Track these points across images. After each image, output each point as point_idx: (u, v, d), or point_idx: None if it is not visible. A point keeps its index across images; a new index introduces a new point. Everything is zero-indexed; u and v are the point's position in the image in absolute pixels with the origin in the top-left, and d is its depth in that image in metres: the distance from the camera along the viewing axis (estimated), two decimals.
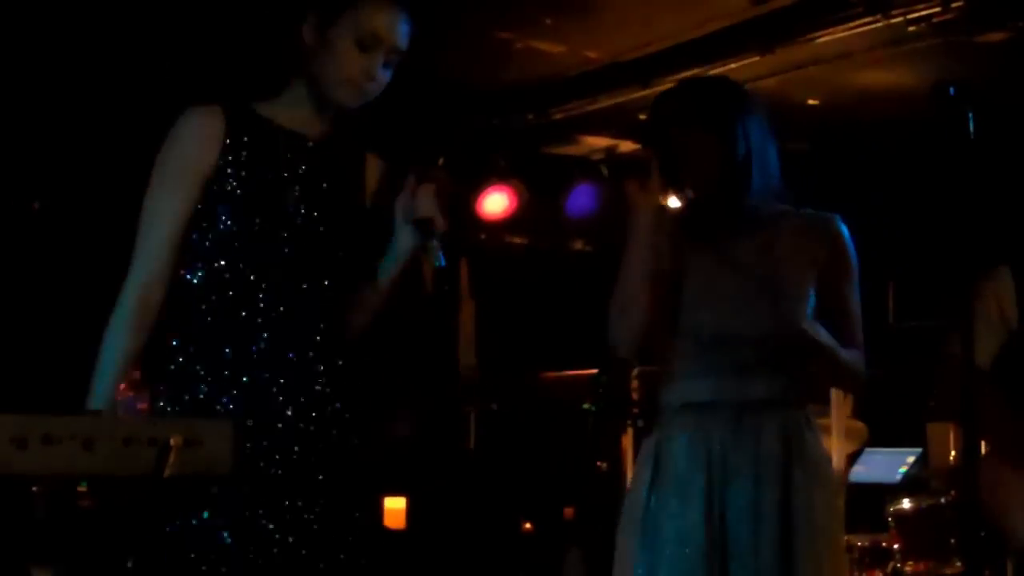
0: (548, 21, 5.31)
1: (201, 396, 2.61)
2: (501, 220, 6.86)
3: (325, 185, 2.73)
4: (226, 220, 2.64)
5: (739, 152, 2.83)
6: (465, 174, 6.84)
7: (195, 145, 2.65)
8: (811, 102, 6.08)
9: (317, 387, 2.67)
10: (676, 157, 2.81)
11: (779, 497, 2.79)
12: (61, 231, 5.90)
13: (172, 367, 2.65)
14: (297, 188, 2.68)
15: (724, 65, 5.56)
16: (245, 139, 2.66)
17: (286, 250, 2.66)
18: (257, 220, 2.65)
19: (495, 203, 6.83)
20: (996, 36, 5.06)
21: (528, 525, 6.82)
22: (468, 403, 6.95)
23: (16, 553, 2.42)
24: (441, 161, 6.82)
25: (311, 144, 2.73)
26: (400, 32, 2.70)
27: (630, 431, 5.73)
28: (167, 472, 2.14)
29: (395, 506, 6.94)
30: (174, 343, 2.67)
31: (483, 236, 7.08)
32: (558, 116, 6.39)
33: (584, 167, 6.97)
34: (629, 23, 5.26)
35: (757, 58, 5.40)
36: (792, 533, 2.78)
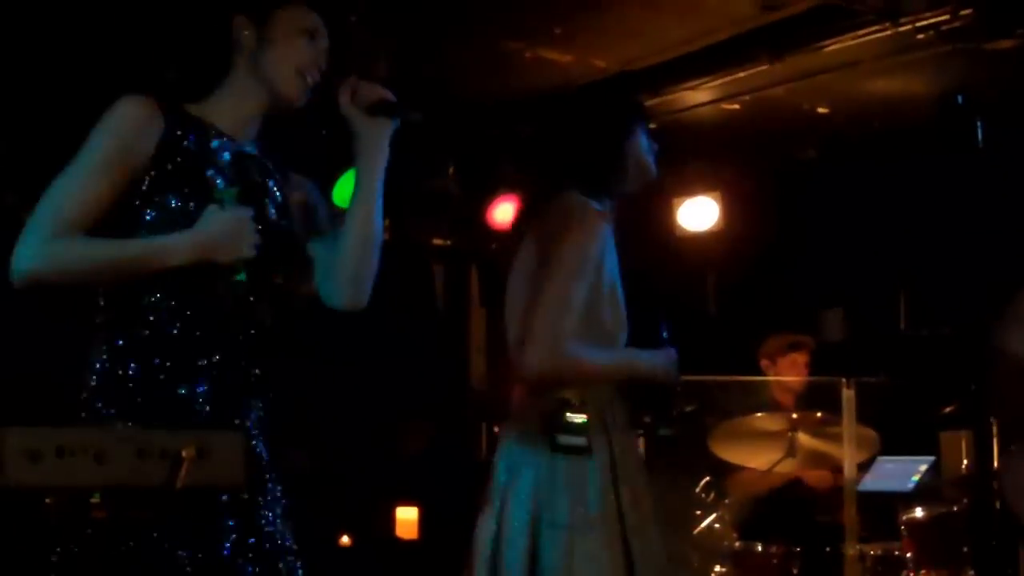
0: (557, 30, 5.31)
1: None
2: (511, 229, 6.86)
3: (258, 188, 2.66)
4: (162, 213, 2.53)
5: None
6: (475, 183, 6.85)
7: (132, 134, 2.52)
8: (820, 110, 6.08)
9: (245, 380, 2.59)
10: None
11: None
12: None
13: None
14: (235, 190, 2.58)
15: (733, 74, 5.57)
16: (179, 134, 2.56)
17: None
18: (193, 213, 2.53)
19: (505, 212, 6.84)
20: (1005, 44, 5.04)
21: None
22: (479, 413, 6.95)
23: (29, 566, 2.42)
24: (452, 170, 6.84)
25: (239, 147, 2.66)
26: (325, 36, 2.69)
27: (642, 440, 5.71)
28: (179, 484, 2.15)
29: (407, 516, 6.95)
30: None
31: (493, 245, 7.09)
32: None
33: None
34: (638, 32, 5.26)
35: (766, 66, 5.40)
36: None
